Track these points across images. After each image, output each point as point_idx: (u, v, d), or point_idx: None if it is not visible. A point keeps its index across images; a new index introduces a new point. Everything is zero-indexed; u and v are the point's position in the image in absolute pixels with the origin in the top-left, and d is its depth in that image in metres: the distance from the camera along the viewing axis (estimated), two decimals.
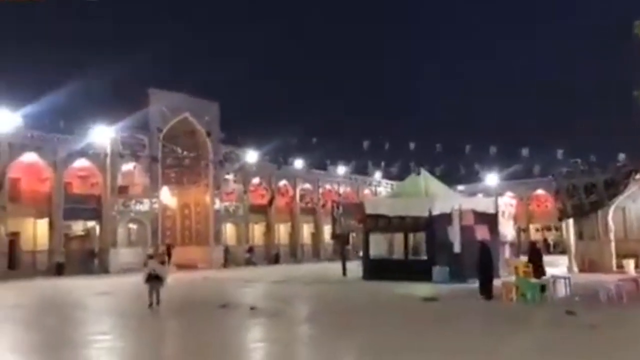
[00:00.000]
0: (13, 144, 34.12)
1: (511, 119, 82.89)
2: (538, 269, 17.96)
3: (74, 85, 38.57)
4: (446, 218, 23.50)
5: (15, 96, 36.45)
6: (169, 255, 40.66)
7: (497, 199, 26.75)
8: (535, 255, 19.57)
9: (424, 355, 9.49)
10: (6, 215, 33.55)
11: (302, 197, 52.89)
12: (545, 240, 58.50)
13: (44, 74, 59.92)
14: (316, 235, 54.26)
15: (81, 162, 37.81)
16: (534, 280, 16.75)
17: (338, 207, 29.64)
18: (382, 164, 46.88)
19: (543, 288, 16.23)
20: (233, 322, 13.98)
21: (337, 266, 30.44)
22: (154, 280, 15.64)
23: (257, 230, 49.75)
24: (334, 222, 29.45)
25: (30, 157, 35.36)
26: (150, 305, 15.40)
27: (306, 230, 54.28)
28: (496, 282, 17.99)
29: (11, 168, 34.39)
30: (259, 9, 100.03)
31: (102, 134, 37.69)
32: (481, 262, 17.82)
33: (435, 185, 27.51)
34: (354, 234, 32.42)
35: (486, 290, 17.19)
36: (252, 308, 15.25)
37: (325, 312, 15.84)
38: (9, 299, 21.49)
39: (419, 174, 27.79)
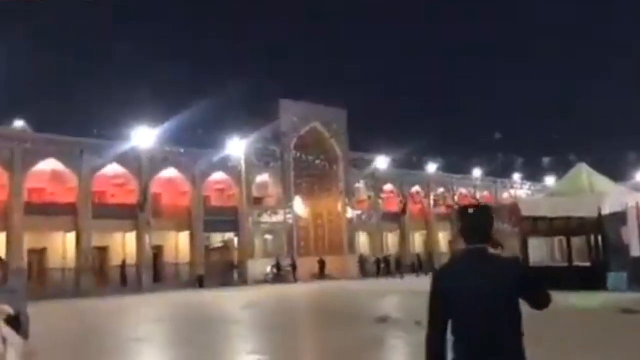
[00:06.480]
0: (154, 159, 35.03)
1: None
2: None
3: (208, 101, 39.39)
4: (619, 217, 20.58)
5: (153, 113, 37.65)
6: (294, 268, 38.81)
7: None
8: None
9: None
10: (150, 229, 34.44)
11: (436, 202, 50.35)
12: None
13: (180, 91, 62.56)
14: (453, 242, 51.38)
15: (218, 175, 38.31)
16: None
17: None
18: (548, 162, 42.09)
19: None
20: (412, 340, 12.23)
21: None
22: None
23: (391, 239, 48.01)
24: None
25: (170, 172, 36.20)
26: None
27: (442, 237, 51.68)
28: None
29: (153, 183, 35.34)
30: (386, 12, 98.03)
31: (237, 147, 37.95)
32: None
33: (600, 181, 24.30)
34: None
35: None
36: (417, 323, 13.41)
37: None
38: (156, 312, 21.37)
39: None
